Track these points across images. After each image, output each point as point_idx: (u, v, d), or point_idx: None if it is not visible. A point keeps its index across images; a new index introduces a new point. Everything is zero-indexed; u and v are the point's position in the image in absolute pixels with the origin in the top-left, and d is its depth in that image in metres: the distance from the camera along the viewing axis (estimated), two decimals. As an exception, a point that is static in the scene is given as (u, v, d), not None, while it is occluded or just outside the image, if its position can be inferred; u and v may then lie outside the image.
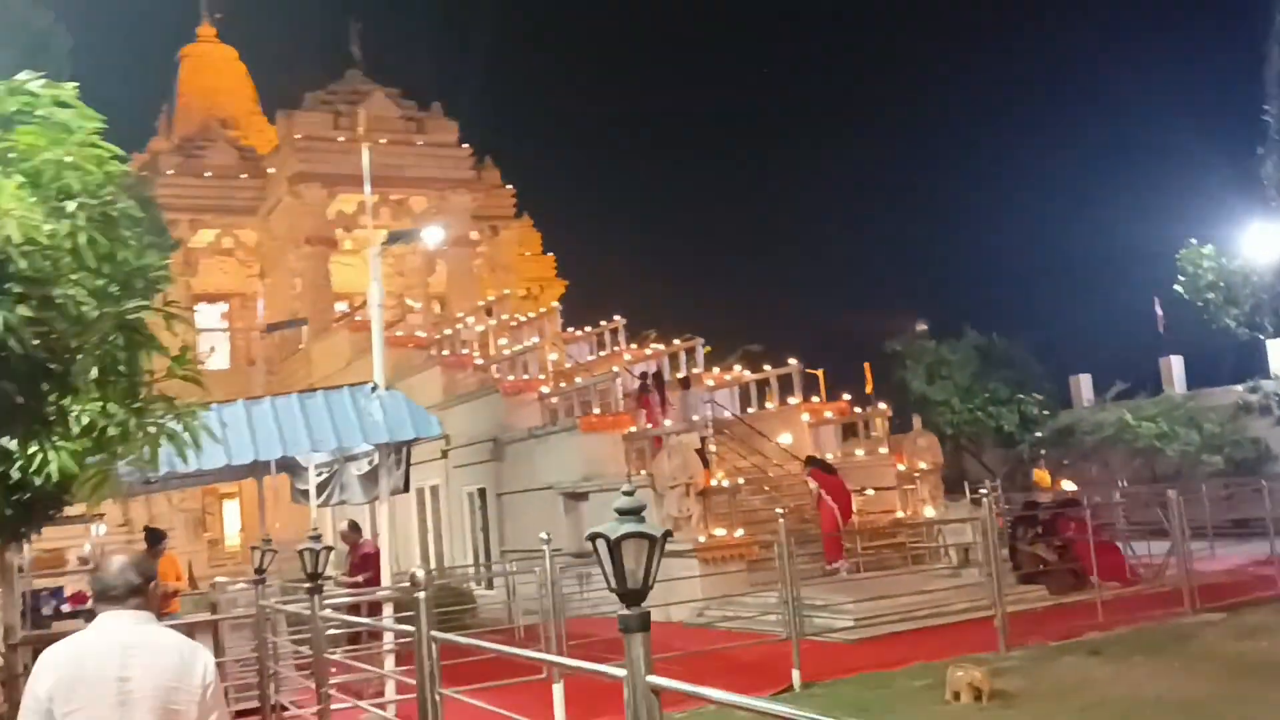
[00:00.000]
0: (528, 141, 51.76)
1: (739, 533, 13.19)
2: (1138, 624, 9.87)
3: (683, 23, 64.18)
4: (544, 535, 9.19)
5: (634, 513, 2.91)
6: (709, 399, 17.97)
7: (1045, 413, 21.54)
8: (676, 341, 20.64)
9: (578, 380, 19.36)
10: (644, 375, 18.22)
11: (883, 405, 17.97)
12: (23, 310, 4.24)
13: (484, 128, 45.13)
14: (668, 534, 3.02)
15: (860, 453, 16.89)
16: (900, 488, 15.25)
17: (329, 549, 6.54)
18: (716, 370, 20.01)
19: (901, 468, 15.26)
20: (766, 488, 15.62)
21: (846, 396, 18.53)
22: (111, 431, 4.83)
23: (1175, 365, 22.54)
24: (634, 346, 21.38)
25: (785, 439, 17.23)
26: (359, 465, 10.37)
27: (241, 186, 30.78)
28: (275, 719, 7.84)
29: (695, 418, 16.71)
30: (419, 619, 4.53)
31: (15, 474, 4.89)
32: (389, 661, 8.83)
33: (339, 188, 27.61)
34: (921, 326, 23.48)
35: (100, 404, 4.81)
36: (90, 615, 3.00)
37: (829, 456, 15.72)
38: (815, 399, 18.47)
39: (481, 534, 18.33)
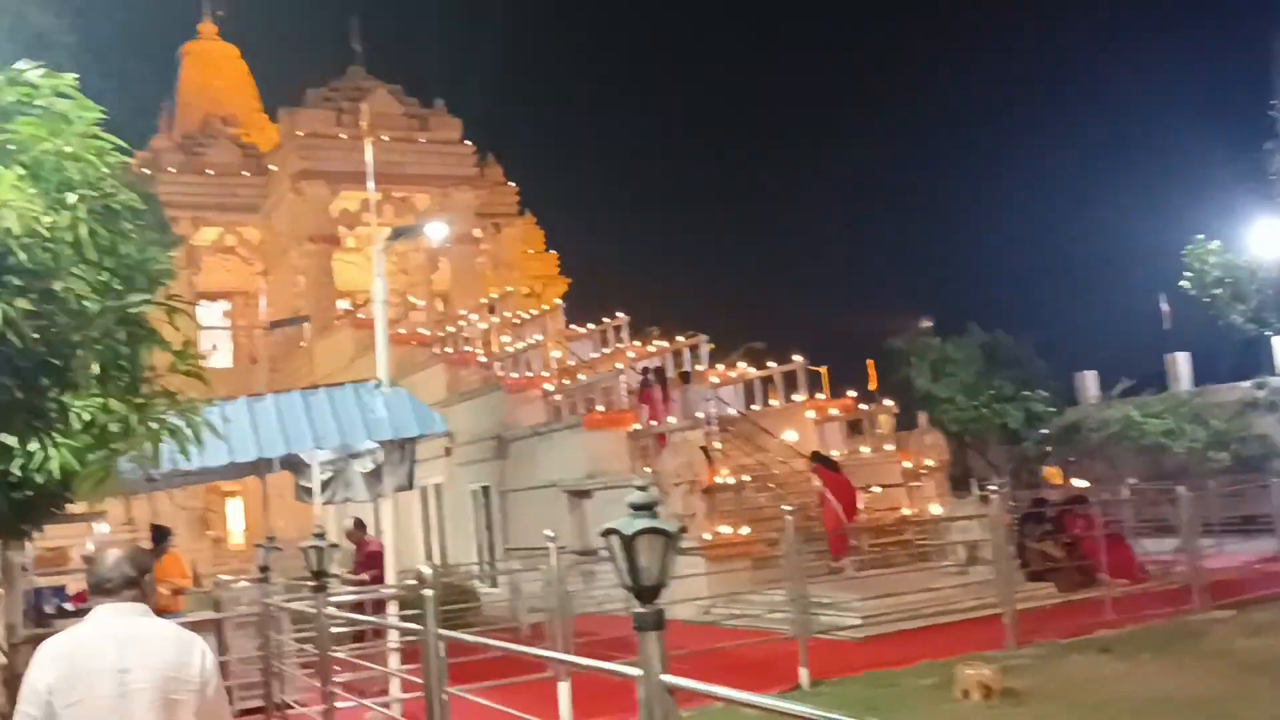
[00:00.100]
0: (530, 139, 51.73)
1: (744, 530, 13.13)
2: (1147, 621, 9.79)
3: (686, 20, 64.11)
4: (549, 533, 9.14)
5: (648, 508, 2.85)
6: (710, 396, 17.88)
7: (1051, 410, 21.44)
8: (680, 338, 20.56)
9: (581, 377, 19.30)
10: (645, 370, 18.15)
11: (889, 402, 17.88)
12: (22, 303, 4.17)
13: (487, 125, 45.09)
14: (682, 530, 2.96)
15: (866, 450, 16.80)
16: (906, 485, 15.18)
17: (333, 547, 6.48)
18: (720, 367, 19.93)
19: (907, 465, 15.18)
20: (771, 485, 15.55)
21: (852, 393, 18.43)
22: (113, 428, 4.77)
23: (1181, 362, 22.46)
24: (637, 344, 21.31)
25: (790, 436, 17.15)
26: (363, 463, 10.30)
27: (244, 184, 30.74)
28: (280, 718, 7.79)
29: (699, 414, 16.63)
30: (426, 617, 4.47)
31: (16, 471, 4.84)
32: (394, 660, 8.77)
33: (342, 185, 27.55)
34: (926, 324, 23.39)
35: (101, 400, 4.75)
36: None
37: (834, 454, 15.65)
38: (820, 396, 18.38)
39: (485, 532, 18.28)
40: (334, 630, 7.17)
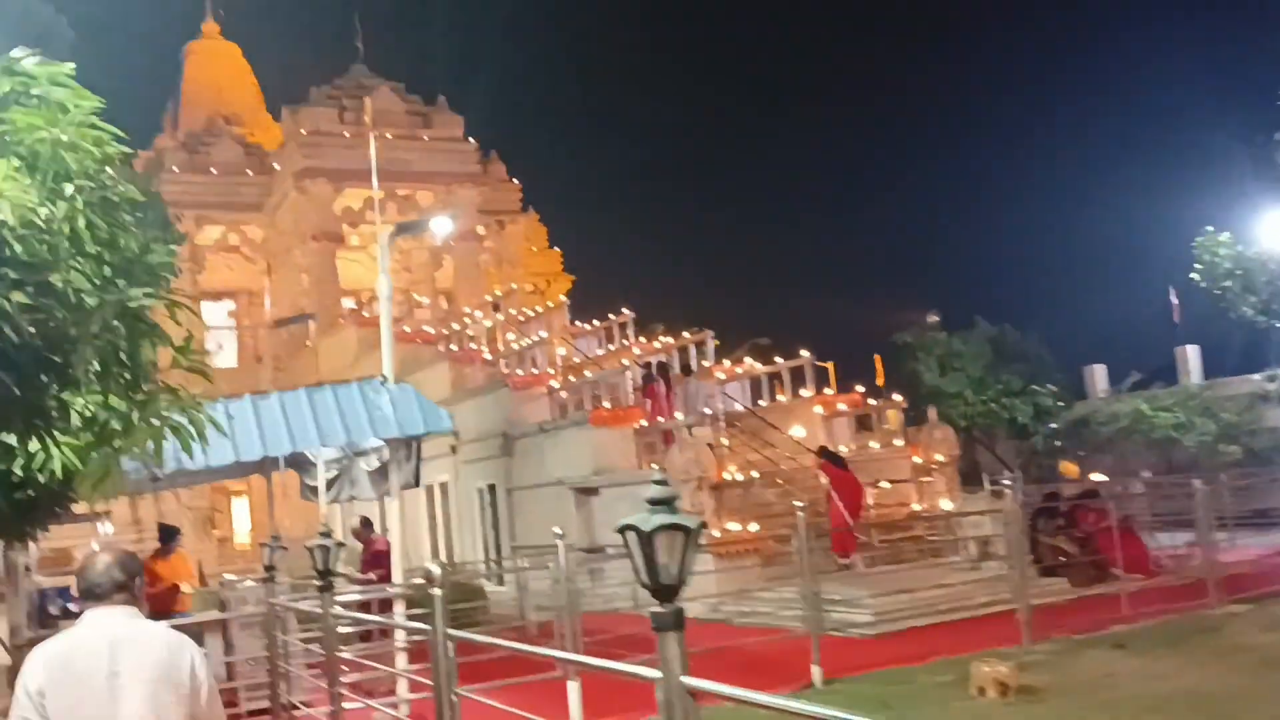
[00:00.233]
0: (533, 136, 51.63)
1: (753, 527, 13.02)
2: (1162, 616, 9.66)
3: (693, 9, 63.90)
4: (557, 530, 9.05)
5: (667, 503, 2.74)
6: (713, 392, 17.75)
7: (1059, 404, 21.30)
8: (686, 334, 20.45)
9: (587, 374, 19.20)
10: (648, 365, 18.04)
11: (897, 397, 17.75)
12: (18, 297, 4.06)
13: (489, 122, 45.00)
14: (702, 525, 2.85)
15: (875, 445, 16.68)
16: (916, 480, 15.05)
17: (339, 546, 6.39)
18: (727, 363, 19.82)
19: (917, 460, 15.05)
20: (779, 481, 15.43)
21: (860, 389, 18.30)
22: (114, 425, 4.67)
23: (1191, 355, 22.28)
24: (643, 340, 21.21)
25: (798, 432, 17.03)
26: (369, 461, 10.21)
27: (247, 183, 30.69)
28: (286, 718, 7.70)
29: (707, 411, 16.52)
30: (434, 617, 4.37)
31: (17, 471, 4.74)
32: (401, 659, 8.68)
33: (345, 183, 27.49)
34: (933, 318, 23.24)
35: (102, 396, 4.65)
36: (64, 618, 2.99)
37: (843, 449, 15.53)
38: (827, 391, 18.26)
39: (491, 530, 18.19)
40: (341, 630, 7.07)
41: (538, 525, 15.51)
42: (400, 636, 8.44)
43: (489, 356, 21.40)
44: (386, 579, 10.31)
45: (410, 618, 8.53)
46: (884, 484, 15.12)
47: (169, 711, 2.81)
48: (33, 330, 4.29)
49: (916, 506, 14.71)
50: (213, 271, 30.74)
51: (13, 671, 6.96)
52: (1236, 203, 19.59)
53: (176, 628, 9.06)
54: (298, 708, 7.74)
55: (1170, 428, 19.52)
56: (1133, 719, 6.66)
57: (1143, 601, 10.04)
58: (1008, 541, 10.04)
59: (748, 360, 20.11)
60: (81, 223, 4.37)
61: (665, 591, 2.71)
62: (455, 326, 24.00)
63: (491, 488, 18.22)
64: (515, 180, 34.14)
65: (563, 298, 26.16)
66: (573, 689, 7.33)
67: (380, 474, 10.02)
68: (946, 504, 14.25)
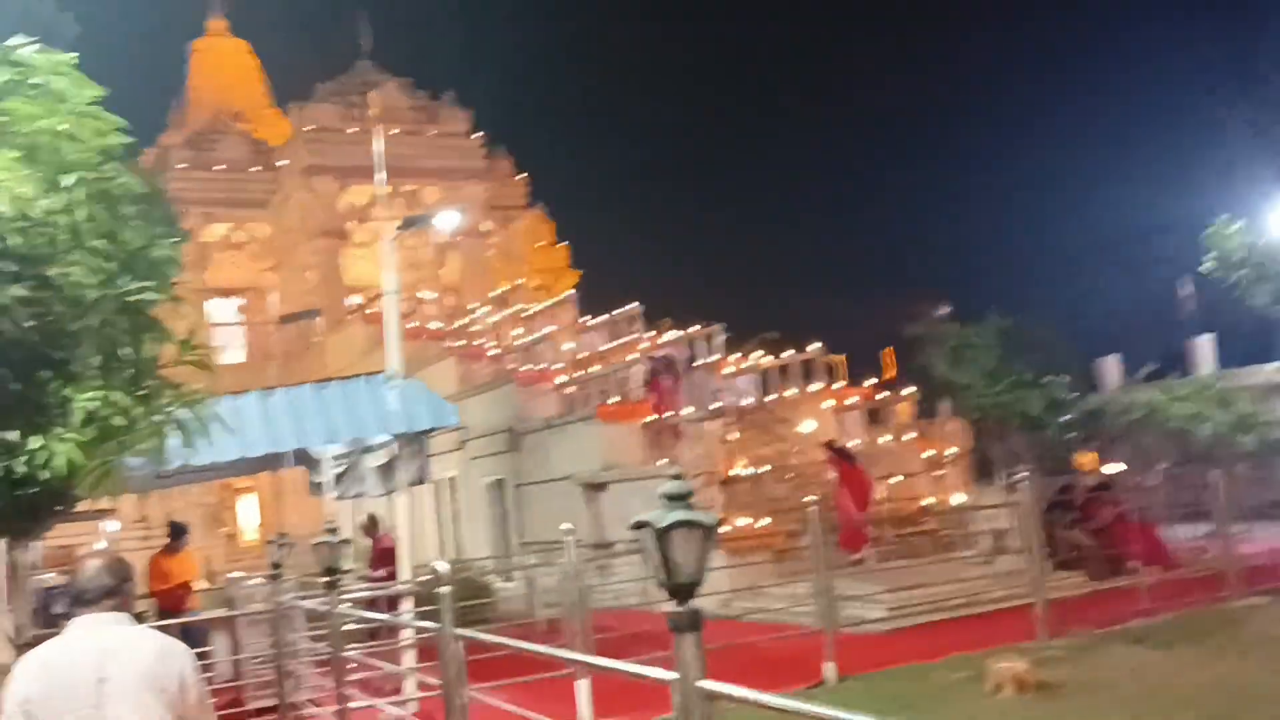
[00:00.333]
0: (539, 131, 51.48)
1: (764, 522, 12.91)
2: (1182, 610, 9.50)
3: (696, 5, 63.66)
4: (567, 526, 8.95)
5: (682, 498, 2.62)
6: (718, 386, 17.60)
7: (1072, 395, 21.09)
8: (695, 328, 20.32)
9: (595, 369, 19.09)
10: (652, 359, 17.92)
11: (909, 390, 17.59)
12: (17, 290, 3.98)
13: (495, 118, 44.90)
14: (720, 522, 2.74)
15: (887, 438, 16.53)
16: (928, 474, 14.91)
17: (346, 543, 6.29)
18: (736, 356, 19.68)
19: (930, 453, 14.92)
20: (790, 475, 15.31)
21: (872, 381, 18.15)
22: (115, 421, 4.58)
23: (1205, 345, 22.05)
24: (651, 334, 21.09)
25: (809, 426, 16.88)
26: (376, 457, 10.12)
27: (253, 179, 30.65)
28: (293, 717, 7.62)
29: (715, 405, 16.39)
30: (443, 616, 4.27)
31: (21, 468, 4.66)
32: (408, 657, 8.60)
33: (351, 179, 27.44)
34: (944, 309, 23.02)
35: (103, 392, 4.57)
36: (68, 618, 2.97)
37: (855, 443, 15.39)
38: (838, 385, 18.11)
39: (500, 526, 18.12)
40: (348, 628, 6.98)
41: (546, 521, 15.42)
42: (408, 634, 8.36)
43: (495, 352, 21.31)
44: (394, 576, 10.24)
45: (418, 615, 8.45)
46: (896, 478, 14.98)
47: (157, 718, 2.79)
48: (31, 324, 4.20)
49: (929, 500, 14.57)
50: (219, 268, 30.72)
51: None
52: (1249, 191, 19.35)
53: (185, 626, 8.99)
54: (305, 706, 7.66)
55: (1185, 419, 19.28)
56: (1157, 715, 6.53)
57: (1161, 594, 9.89)
58: (1023, 535, 9.90)
59: (757, 353, 19.95)
60: (81, 215, 4.29)
61: (682, 591, 2.60)
62: (462, 322, 23.92)
63: (499, 483, 18.15)
64: (521, 176, 34.04)
65: (570, 292, 26.04)
66: (582, 687, 7.23)
67: (388, 470, 9.94)
68: (959, 497, 14.11)
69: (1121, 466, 14.49)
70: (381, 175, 14.59)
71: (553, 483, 16.34)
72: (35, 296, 4.16)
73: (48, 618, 9.05)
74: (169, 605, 10.15)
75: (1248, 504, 13.04)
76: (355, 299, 28.94)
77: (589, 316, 23.35)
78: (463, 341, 22.82)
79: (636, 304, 21.64)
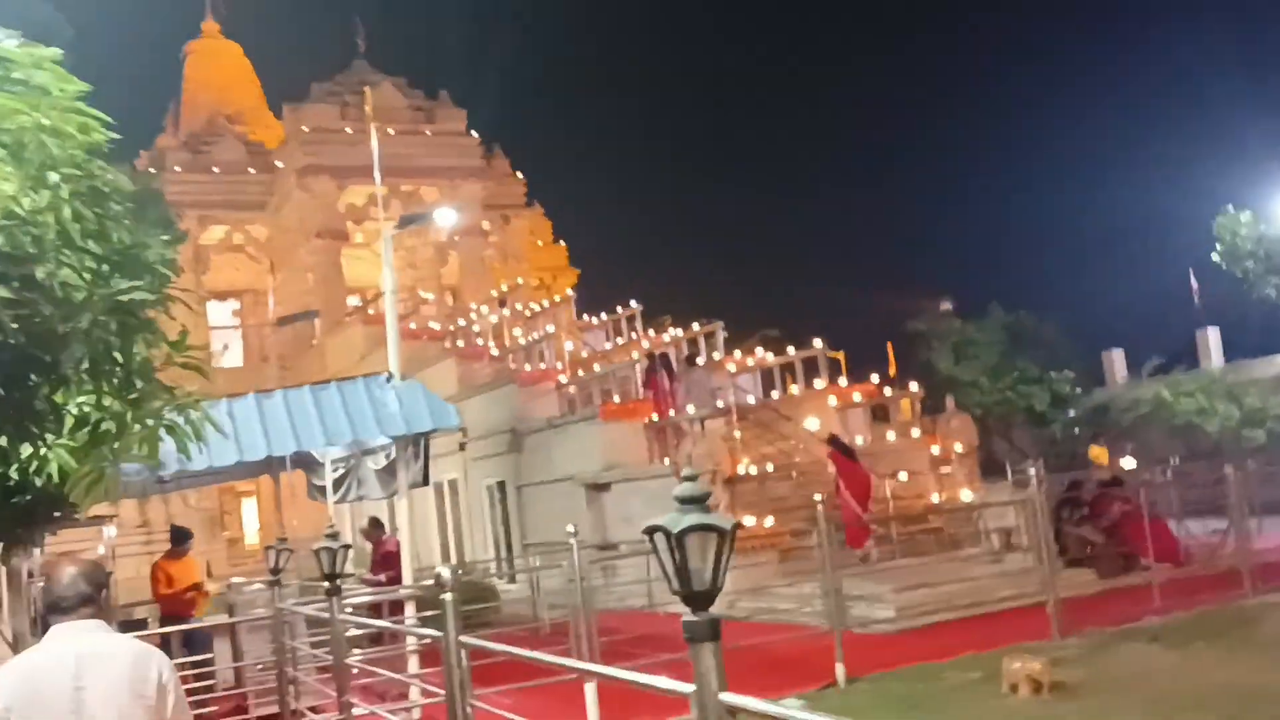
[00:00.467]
0: (537, 130, 51.35)
1: (769, 521, 12.77)
2: (1196, 608, 9.35)
3: (696, 3, 63.49)
4: (570, 528, 8.83)
5: (697, 501, 2.48)
6: (717, 384, 17.44)
7: (1077, 391, 20.94)
8: (695, 326, 20.18)
9: (595, 368, 18.96)
10: (651, 356, 17.79)
11: (914, 387, 17.43)
12: (1, 291, 3.83)
13: (493, 116, 44.79)
14: (738, 526, 2.60)
15: (892, 436, 16.38)
16: (934, 471, 14.76)
17: (346, 547, 6.16)
18: (738, 354, 19.54)
19: (935, 450, 14.76)
20: (794, 474, 15.17)
21: (875, 378, 18.00)
22: (106, 425, 4.45)
23: (1212, 337, 21.87)
24: (651, 333, 20.96)
25: (812, 423, 16.74)
26: (376, 459, 9.99)
27: (250, 181, 30.52)
28: (295, 725, 7.48)
29: (719, 404, 16.25)
30: (446, 623, 4.13)
31: (14, 475, 4.55)
32: (412, 662, 8.46)
33: (348, 180, 27.30)
34: (947, 305, 22.86)
35: (94, 396, 4.43)
36: (45, 627, 2.95)
37: (859, 440, 15.24)
38: (841, 382, 17.96)
39: (502, 528, 17.99)
40: (350, 633, 6.85)
41: (549, 522, 15.29)
42: (412, 639, 8.23)
43: (496, 352, 21.17)
44: (397, 580, 10.10)
45: (422, 619, 8.32)
46: (901, 475, 14.83)
47: None
48: (16, 326, 4.06)
49: (935, 498, 14.42)
50: (217, 271, 30.61)
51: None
52: (1257, 181, 19.22)
53: (190, 633, 8.81)
54: (307, 714, 7.53)
55: (1192, 413, 19.12)
56: (1175, 716, 6.39)
57: (1175, 592, 9.73)
58: (1033, 532, 9.76)
59: (758, 351, 19.81)
60: (67, 213, 4.14)
61: (699, 599, 2.46)
62: (461, 322, 23.78)
63: (501, 485, 18.01)
64: (519, 175, 33.91)
65: (569, 292, 25.91)
66: (590, 691, 7.09)
67: (388, 473, 9.80)
68: (967, 495, 13.95)
69: (1134, 463, 14.31)
70: (378, 176, 14.47)
71: (555, 483, 16.21)
72: (21, 298, 4.02)
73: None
74: (172, 611, 10.01)
75: (1260, 500, 12.90)
76: (354, 300, 28.82)
77: (588, 315, 23.24)
78: (463, 341, 22.67)
79: (635, 303, 21.52)
